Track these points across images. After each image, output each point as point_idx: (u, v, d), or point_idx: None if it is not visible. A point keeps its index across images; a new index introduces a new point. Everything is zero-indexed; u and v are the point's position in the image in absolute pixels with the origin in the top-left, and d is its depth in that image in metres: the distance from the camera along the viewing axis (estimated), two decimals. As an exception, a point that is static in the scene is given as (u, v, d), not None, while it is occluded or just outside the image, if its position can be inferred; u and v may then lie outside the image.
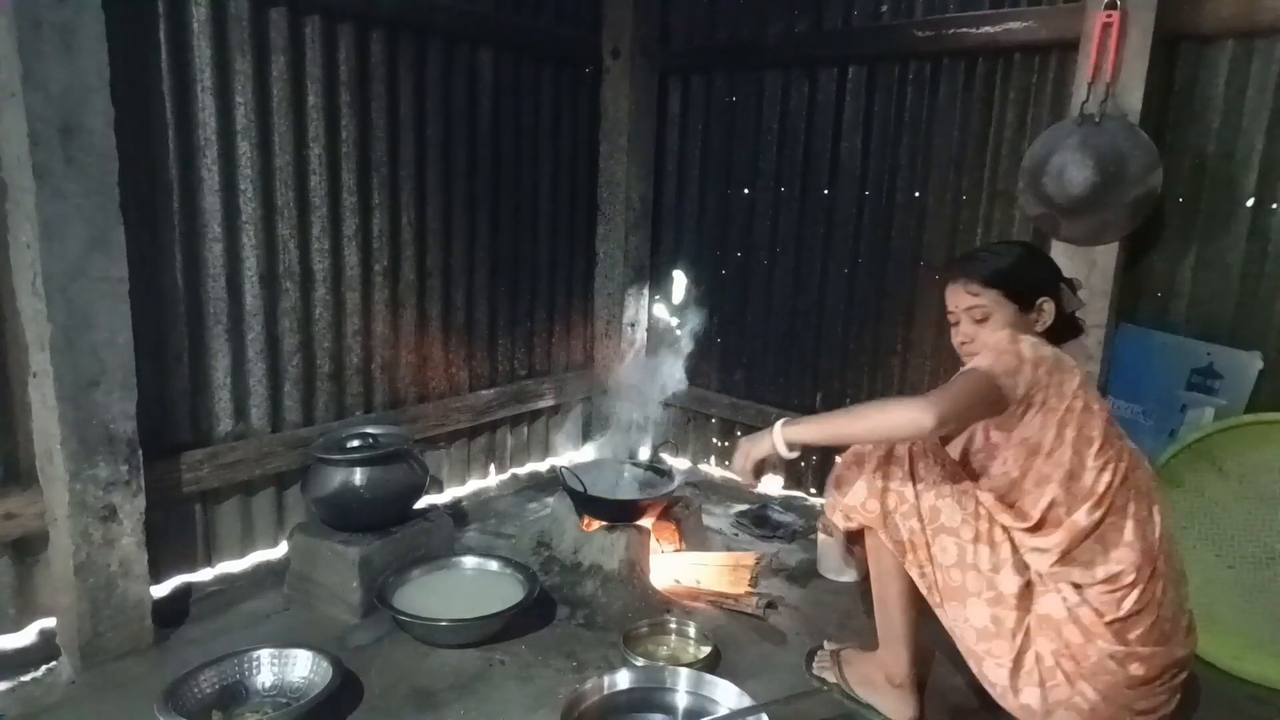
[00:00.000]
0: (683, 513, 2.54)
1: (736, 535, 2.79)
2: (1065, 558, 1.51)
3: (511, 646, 2.02)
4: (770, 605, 2.24)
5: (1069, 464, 1.52)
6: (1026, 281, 1.65)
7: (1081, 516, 1.50)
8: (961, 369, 1.59)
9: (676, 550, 2.49)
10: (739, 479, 1.71)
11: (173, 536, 2.19)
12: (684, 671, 1.73)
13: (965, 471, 1.65)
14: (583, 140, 3.20)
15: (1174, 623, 1.53)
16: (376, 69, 2.46)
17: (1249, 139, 2.13)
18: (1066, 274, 2.12)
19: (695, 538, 2.57)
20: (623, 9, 3.07)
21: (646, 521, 2.37)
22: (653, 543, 2.37)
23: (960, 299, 1.69)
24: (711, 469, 3.32)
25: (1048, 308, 1.65)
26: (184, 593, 2.21)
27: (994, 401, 1.52)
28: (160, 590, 2.15)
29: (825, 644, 1.95)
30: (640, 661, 1.89)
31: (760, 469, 1.68)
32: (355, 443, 2.30)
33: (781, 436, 1.60)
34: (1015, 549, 1.55)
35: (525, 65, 2.91)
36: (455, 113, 2.71)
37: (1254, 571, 2.05)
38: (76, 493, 1.80)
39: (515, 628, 2.06)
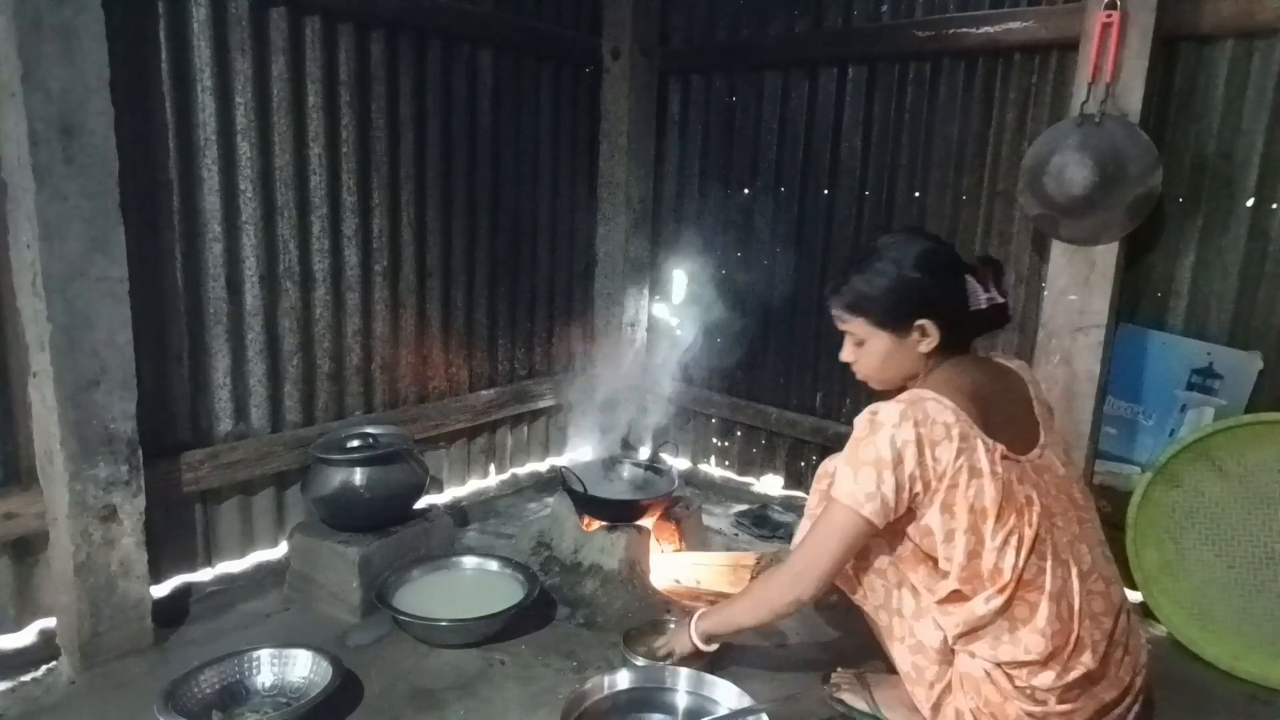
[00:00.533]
0: (683, 513, 2.54)
1: (736, 535, 2.79)
2: (969, 634, 1.46)
3: (511, 646, 2.02)
4: (770, 605, 2.24)
5: (966, 546, 1.42)
6: (895, 306, 1.52)
7: (979, 604, 1.43)
8: (822, 508, 1.52)
9: (676, 550, 2.49)
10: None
11: (173, 536, 2.19)
12: (684, 671, 1.73)
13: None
14: (583, 140, 3.20)
15: (1103, 665, 1.46)
16: (376, 69, 2.46)
17: (1249, 139, 2.13)
18: (1066, 273, 2.11)
19: (695, 538, 2.57)
20: (623, 9, 3.07)
21: (646, 521, 2.37)
22: (653, 543, 2.37)
23: (835, 320, 1.61)
24: (711, 469, 3.32)
25: (929, 329, 1.51)
26: (184, 593, 2.21)
27: (867, 534, 1.47)
28: (160, 590, 2.15)
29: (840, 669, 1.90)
30: (640, 661, 1.89)
31: (685, 663, 1.77)
32: (355, 443, 2.30)
33: (699, 635, 1.74)
34: None
35: (525, 65, 2.91)
36: (455, 113, 2.71)
37: (1253, 571, 2.05)
38: (76, 493, 1.80)
39: (515, 628, 2.06)
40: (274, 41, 2.22)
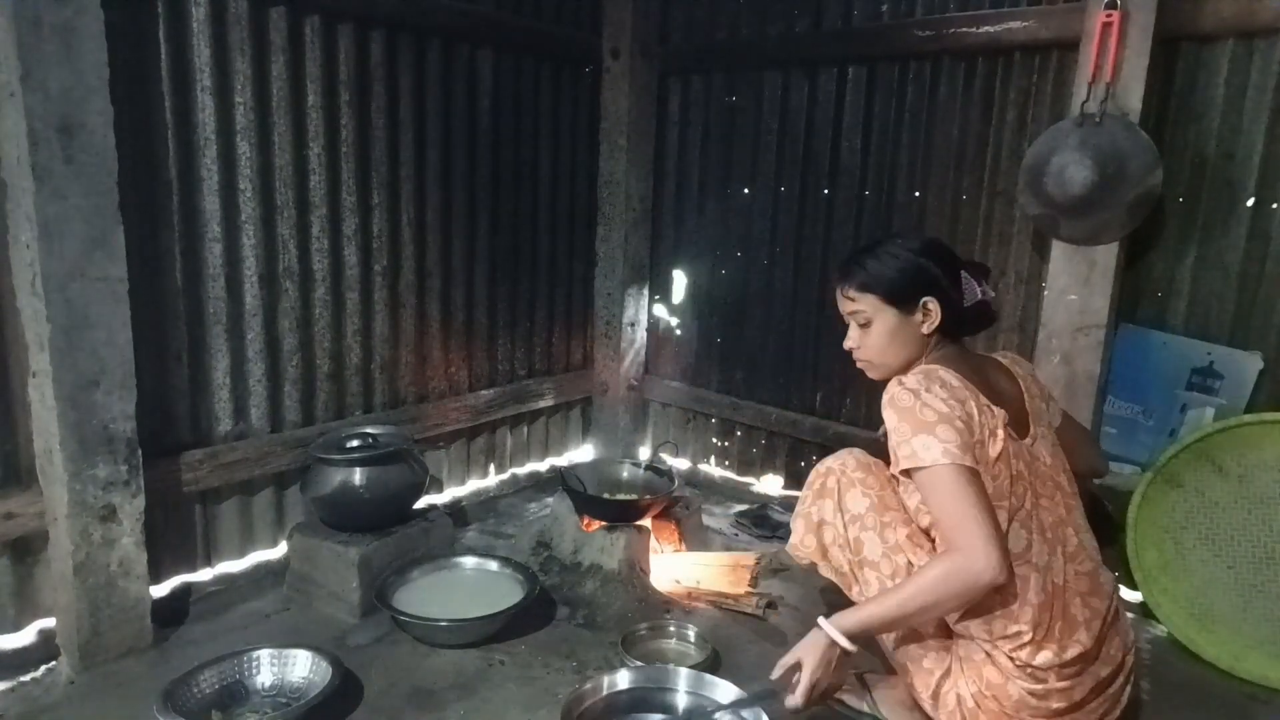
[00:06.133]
0: (683, 513, 2.54)
1: (736, 535, 2.79)
2: (965, 612, 1.48)
3: (511, 646, 2.02)
4: (770, 605, 2.24)
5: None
6: (904, 284, 1.57)
7: None
8: (920, 481, 1.43)
9: (676, 550, 2.49)
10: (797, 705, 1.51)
11: (172, 536, 2.19)
12: (684, 671, 1.73)
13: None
14: (583, 140, 3.20)
15: (1097, 643, 1.49)
16: (376, 69, 2.46)
17: (1249, 139, 2.13)
18: (1067, 273, 2.13)
19: (695, 538, 2.57)
20: (623, 9, 3.07)
21: (646, 521, 2.37)
22: (653, 543, 2.37)
23: (843, 304, 1.65)
24: (711, 469, 3.32)
25: (932, 307, 1.57)
26: (184, 593, 2.21)
27: (973, 480, 1.40)
28: (160, 590, 2.15)
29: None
30: (639, 662, 1.89)
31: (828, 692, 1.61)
32: (355, 443, 2.30)
33: (840, 631, 1.48)
34: None
35: (525, 65, 2.91)
36: (455, 112, 2.71)
37: (1253, 571, 2.05)
38: (76, 492, 1.80)
39: (515, 628, 2.06)
40: (273, 41, 2.21)
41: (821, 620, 1.51)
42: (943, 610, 1.46)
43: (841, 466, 1.71)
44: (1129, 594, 2.29)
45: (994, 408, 1.50)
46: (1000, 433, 1.47)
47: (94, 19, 1.71)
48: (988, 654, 1.49)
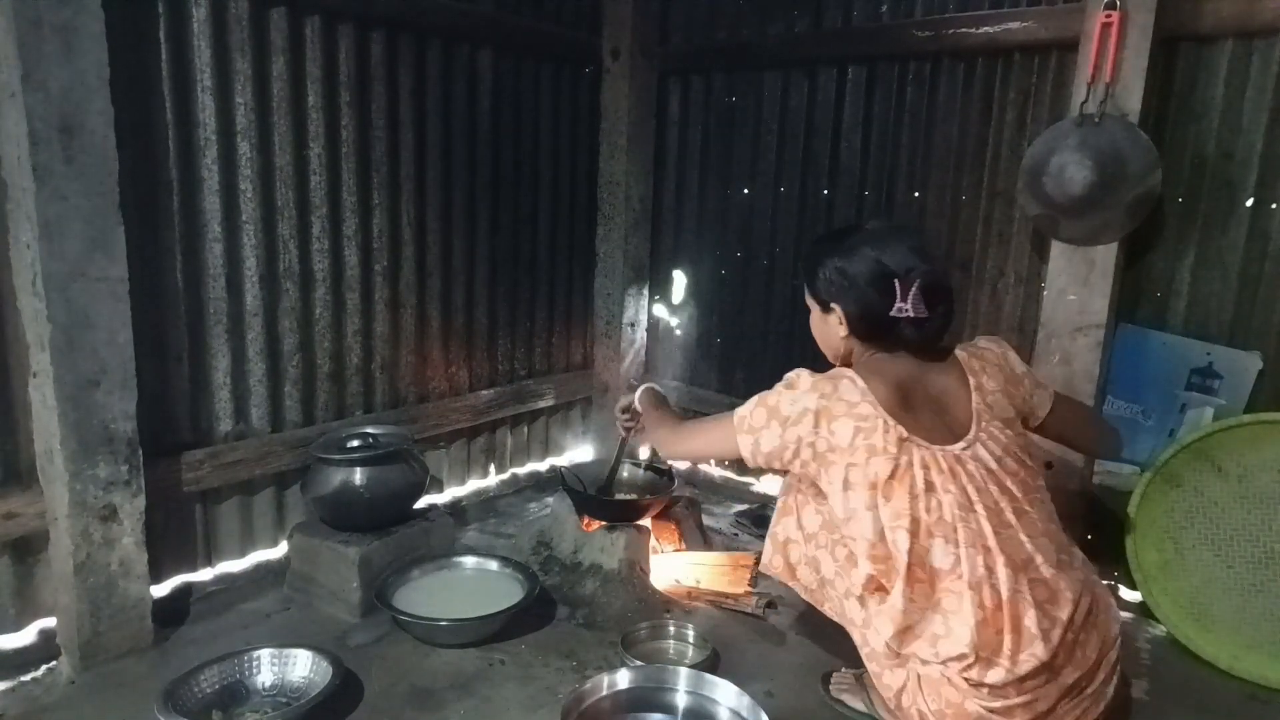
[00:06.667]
0: (683, 513, 2.54)
1: (736, 535, 2.79)
2: (905, 634, 1.47)
3: (511, 646, 2.03)
4: (770, 605, 2.24)
5: (871, 527, 1.45)
6: (817, 285, 1.65)
7: (896, 595, 1.44)
8: (714, 417, 1.69)
9: (676, 550, 2.49)
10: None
11: (173, 536, 2.19)
12: (684, 671, 1.73)
13: None
14: (583, 140, 3.20)
15: (1061, 652, 1.44)
16: (376, 69, 2.46)
17: (1249, 139, 2.13)
18: (1066, 273, 2.12)
19: (695, 538, 2.57)
20: (623, 9, 3.07)
21: (646, 521, 2.37)
22: (653, 543, 2.38)
23: None
24: (711, 469, 3.32)
25: (840, 315, 1.62)
26: (184, 592, 2.22)
27: (730, 455, 1.62)
28: (160, 590, 2.15)
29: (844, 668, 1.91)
30: (639, 662, 1.89)
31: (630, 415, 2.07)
32: (355, 442, 2.31)
33: (640, 401, 2.00)
34: None
35: (525, 65, 2.91)
36: (455, 113, 2.71)
37: (1252, 571, 2.05)
38: (76, 492, 1.80)
39: (515, 628, 2.06)
40: (274, 41, 2.21)
41: (641, 389, 2.03)
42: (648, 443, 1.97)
43: (798, 482, 1.69)
44: (1128, 594, 2.30)
45: (889, 420, 1.47)
46: (891, 448, 1.45)
47: (94, 19, 1.71)
48: (943, 673, 1.46)
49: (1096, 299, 2.21)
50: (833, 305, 1.61)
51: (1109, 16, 2.09)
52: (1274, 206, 2.12)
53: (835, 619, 1.68)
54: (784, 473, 1.66)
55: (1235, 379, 2.17)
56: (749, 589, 2.32)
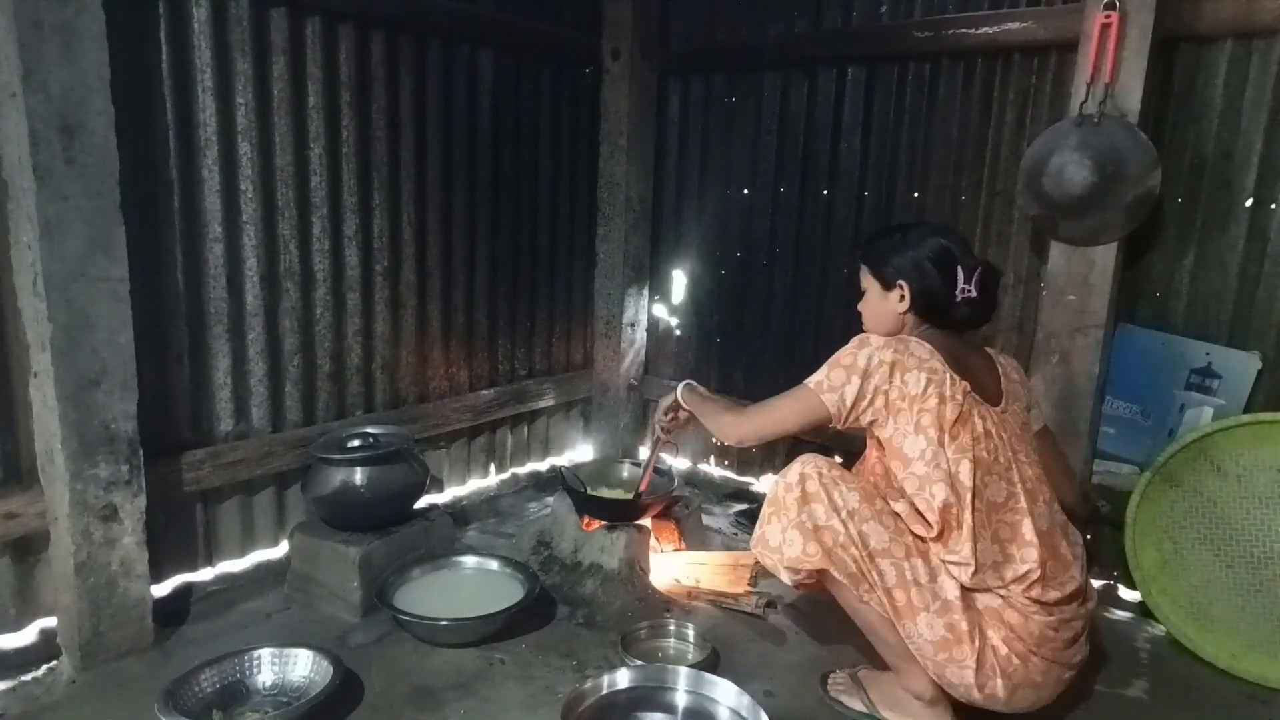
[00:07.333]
0: (683, 513, 2.54)
1: (736, 535, 2.80)
2: (977, 572, 1.58)
3: (511, 646, 2.03)
4: (770, 604, 2.25)
5: (945, 463, 1.59)
6: (886, 265, 1.77)
7: (966, 532, 1.58)
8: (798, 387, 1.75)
9: (676, 550, 2.50)
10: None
11: (173, 536, 2.19)
12: (684, 671, 1.73)
13: (886, 482, 1.70)
14: (583, 140, 3.20)
15: (1083, 579, 1.69)
16: (377, 70, 2.46)
17: (1248, 139, 2.13)
18: (1065, 273, 2.15)
19: (695, 537, 2.58)
20: (623, 9, 3.07)
21: (646, 521, 2.37)
22: (653, 542, 2.38)
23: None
24: (711, 469, 3.32)
25: (905, 290, 1.74)
26: (184, 592, 2.22)
27: (817, 418, 1.70)
28: (161, 590, 2.15)
29: (840, 669, 1.92)
30: (639, 662, 1.89)
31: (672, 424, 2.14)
32: (356, 442, 2.31)
33: (682, 396, 2.07)
34: None
35: (525, 66, 2.92)
36: (455, 113, 2.71)
37: (1252, 571, 2.05)
38: (77, 492, 1.81)
39: (515, 627, 2.06)
40: (274, 42, 2.22)
41: (680, 387, 2.11)
42: (714, 434, 1.97)
43: (815, 470, 1.68)
44: (1127, 593, 2.31)
45: (958, 379, 1.64)
46: (960, 397, 1.61)
47: (95, 19, 1.71)
48: (1003, 598, 1.60)
49: (1096, 299, 2.21)
50: (899, 283, 1.74)
51: (1108, 17, 2.09)
52: (1273, 206, 2.12)
53: (878, 605, 1.62)
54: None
55: (1234, 379, 2.18)
56: (749, 589, 2.33)
